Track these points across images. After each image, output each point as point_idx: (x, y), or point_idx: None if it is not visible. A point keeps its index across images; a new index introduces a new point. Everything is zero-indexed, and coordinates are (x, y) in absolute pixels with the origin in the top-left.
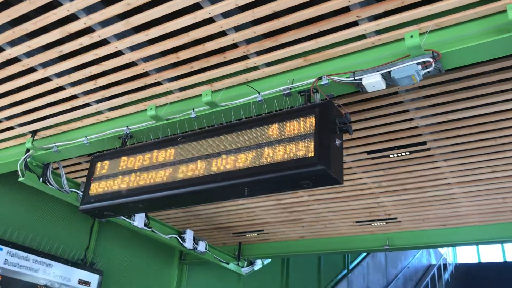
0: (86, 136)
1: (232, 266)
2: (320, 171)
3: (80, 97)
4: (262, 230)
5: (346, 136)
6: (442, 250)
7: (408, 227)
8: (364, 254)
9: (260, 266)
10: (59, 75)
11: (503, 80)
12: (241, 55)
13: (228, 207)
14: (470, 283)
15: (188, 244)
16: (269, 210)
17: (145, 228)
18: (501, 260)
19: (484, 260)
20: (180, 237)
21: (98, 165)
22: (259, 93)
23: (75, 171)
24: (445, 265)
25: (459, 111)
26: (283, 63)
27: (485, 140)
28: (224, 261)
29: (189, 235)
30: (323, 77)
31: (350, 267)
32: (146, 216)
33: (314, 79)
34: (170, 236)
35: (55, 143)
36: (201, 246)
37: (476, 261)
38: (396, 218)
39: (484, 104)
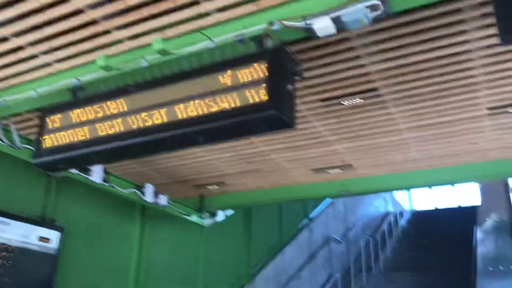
0: (35, 89)
1: (194, 218)
2: (272, 116)
3: (26, 48)
4: (223, 182)
5: (300, 85)
6: (399, 199)
7: (363, 173)
8: (325, 204)
9: (223, 217)
10: (1, 25)
11: (449, 24)
12: (191, 1)
13: (188, 160)
14: (425, 228)
15: (149, 198)
16: (228, 161)
17: (104, 183)
18: (455, 206)
19: (439, 206)
20: (140, 191)
21: (50, 118)
22: (211, 40)
23: (27, 127)
24: (401, 213)
25: (408, 56)
26: (234, 8)
27: (432, 85)
28: (186, 213)
29: (149, 189)
30: (274, 22)
31: (311, 217)
32: (104, 171)
33: (266, 25)
34: (129, 190)
35: (3, 97)
36: (162, 200)
37: (431, 208)
38: (351, 165)
39: (432, 49)
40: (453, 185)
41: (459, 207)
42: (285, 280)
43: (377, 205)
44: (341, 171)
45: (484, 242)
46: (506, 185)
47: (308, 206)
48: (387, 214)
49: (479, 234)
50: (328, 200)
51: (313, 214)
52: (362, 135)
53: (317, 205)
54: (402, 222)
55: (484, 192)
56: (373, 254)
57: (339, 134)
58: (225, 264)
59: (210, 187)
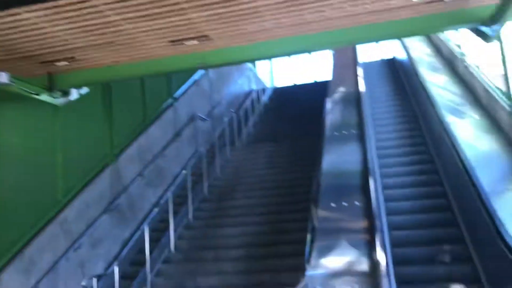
0: None
1: (44, 97)
2: None
3: None
4: (73, 57)
5: None
6: (262, 77)
7: (220, 44)
8: (189, 83)
9: (77, 96)
10: None
11: None
12: None
13: (28, 32)
14: (285, 103)
15: None
16: (76, 33)
17: None
18: (311, 81)
19: (297, 83)
20: None
21: None
22: None
23: None
24: (263, 90)
25: None
26: None
27: None
28: (35, 93)
29: None
30: None
31: (175, 96)
32: None
33: None
34: None
35: None
36: (3, 78)
37: (290, 84)
38: (208, 36)
39: None
40: (309, 53)
41: (315, 82)
42: (151, 158)
43: (241, 83)
44: (198, 42)
45: (332, 112)
46: (354, 59)
47: (172, 85)
48: (250, 91)
49: (328, 105)
50: (192, 79)
51: (177, 93)
52: (215, 3)
53: (181, 84)
54: (264, 98)
55: (335, 66)
56: (237, 129)
57: (194, 1)
58: (86, 145)
59: (58, 64)
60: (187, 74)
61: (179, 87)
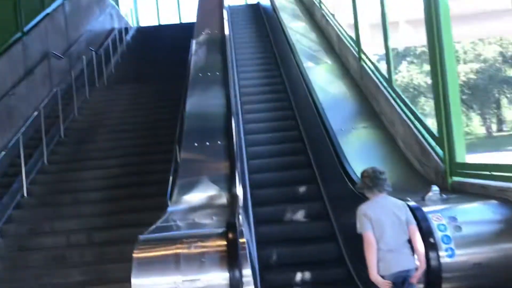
0: None
1: None
2: None
3: None
4: None
5: None
6: (125, 14)
7: None
8: (41, 16)
9: None
10: None
11: None
12: None
13: None
14: (150, 43)
15: None
16: None
17: None
18: (177, 22)
19: (162, 23)
20: None
21: None
22: None
23: None
24: (126, 29)
25: None
26: None
27: None
28: None
29: None
30: None
31: (25, 30)
32: None
33: None
34: None
35: None
36: None
37: (156, 24)
38: None
39: None
40: None
41: (182, 23)
42: None
43: (102, 20)
44: None
45: (197, 53)
46: (220, 2)
47: (21, 16)
48: (112, 29)
49: (194, 46)
50: (45, 12)
51: (27, 27)
52: None
53: (32, 17)
54: (127, 38)
55: (201, 8)
56: (97, 70)
57: None
58: None
59: None
60: (38, 5)
61: (29, 20)
